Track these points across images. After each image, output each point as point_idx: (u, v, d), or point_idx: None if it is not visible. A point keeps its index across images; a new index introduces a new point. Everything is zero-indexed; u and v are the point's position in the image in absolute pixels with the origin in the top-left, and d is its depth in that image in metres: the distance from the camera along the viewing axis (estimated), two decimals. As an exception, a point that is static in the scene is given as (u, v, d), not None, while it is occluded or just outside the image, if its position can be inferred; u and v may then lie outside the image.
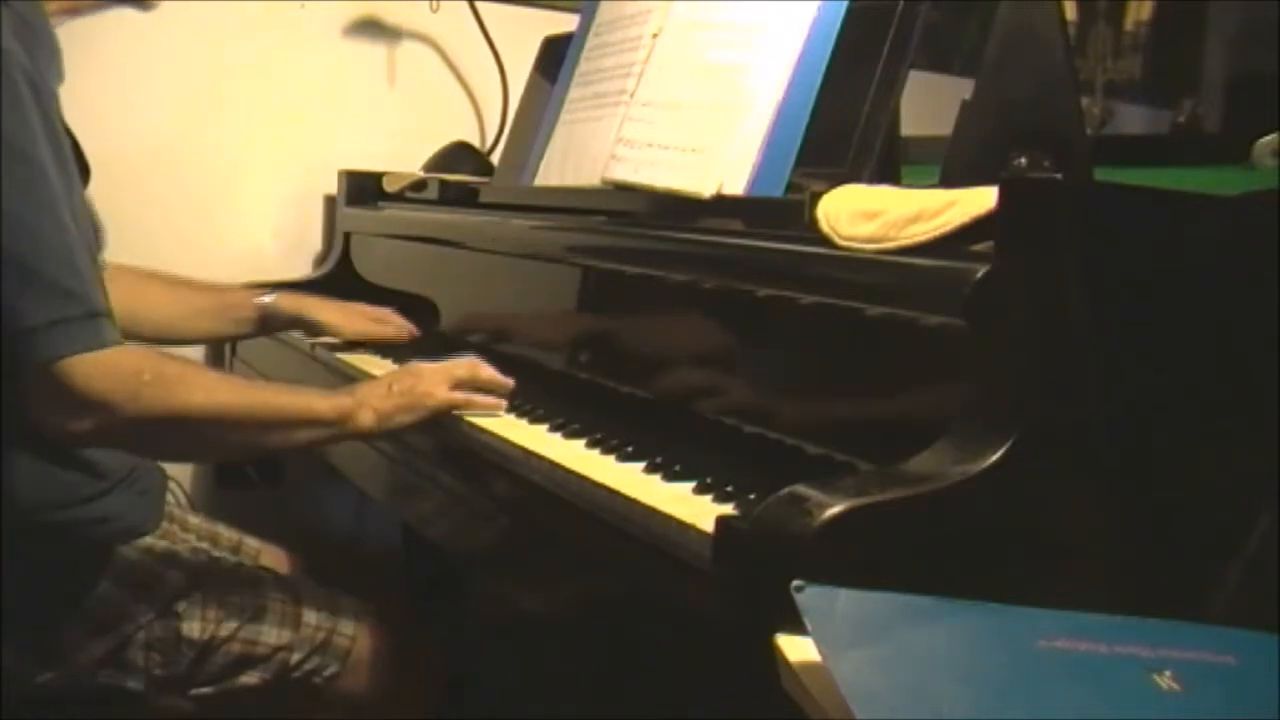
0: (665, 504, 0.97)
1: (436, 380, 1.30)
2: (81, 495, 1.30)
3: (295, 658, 1.37)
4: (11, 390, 1.23)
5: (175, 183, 2.03)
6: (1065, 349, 0.87)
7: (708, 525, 0.88)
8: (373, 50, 2.20)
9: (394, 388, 1.29)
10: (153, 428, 1.19)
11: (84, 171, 1.30)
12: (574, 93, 1.63)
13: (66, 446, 1.26)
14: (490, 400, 1.31)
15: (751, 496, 0.97)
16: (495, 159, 2.06)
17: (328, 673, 1.39)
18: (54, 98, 1.23)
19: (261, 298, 1.70)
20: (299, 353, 1.74)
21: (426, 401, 1.28)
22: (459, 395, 1.30)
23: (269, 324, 1.71)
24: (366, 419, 1.26)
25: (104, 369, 1.15)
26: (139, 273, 1.61)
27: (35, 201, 1.14)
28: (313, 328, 1.70)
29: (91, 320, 1.15)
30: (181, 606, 1.33)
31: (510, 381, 1.34)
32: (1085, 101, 2.08)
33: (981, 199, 0.93)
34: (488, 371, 1.33)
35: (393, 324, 1.71)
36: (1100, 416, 0.88)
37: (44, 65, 1.23)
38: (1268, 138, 1.37)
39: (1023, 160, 0.91)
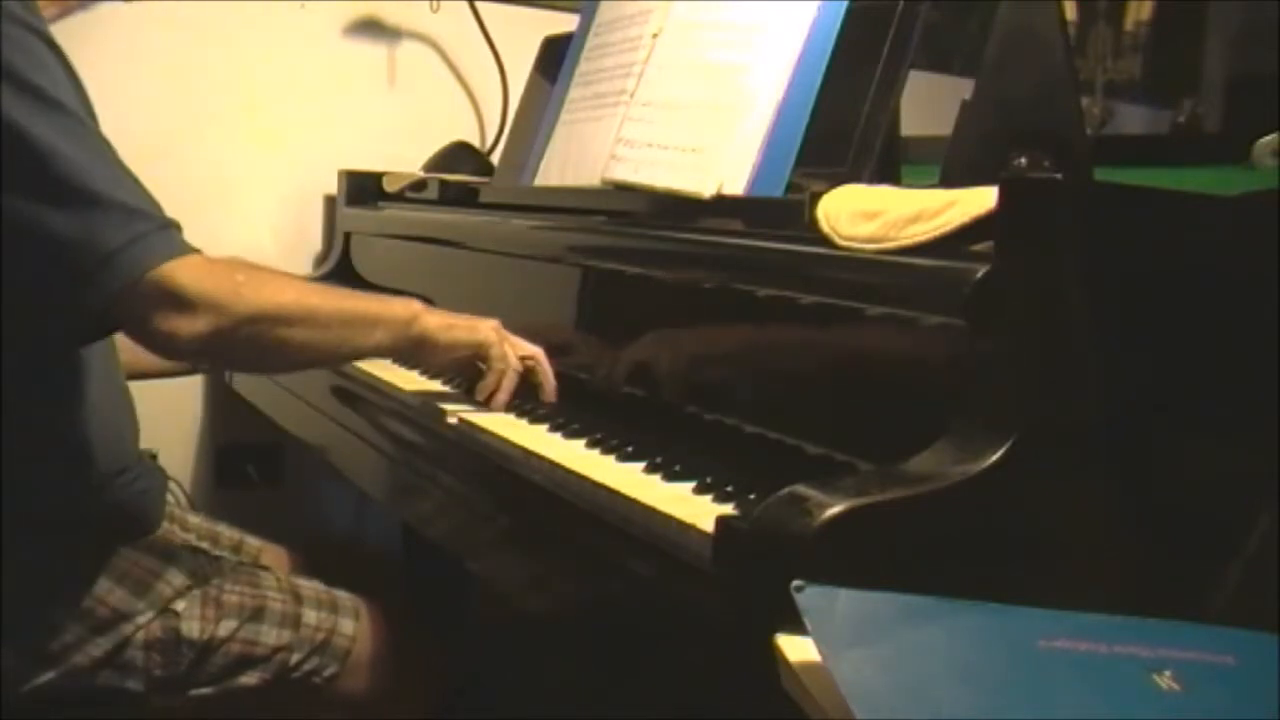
0: (665, 504, 0.97)
1: (502, 335, 1.34)
2: (82, 494, 1.30)
3: (295, 658, 1.37)
4: (12, 388, 1.23)
5: (174, 182, 2.01)
6: (1065, 349, 0.87)
7: (708, 525, 0.88)
8: (373, 50, 2.20)
9: (460, 318, 1.35)
10: (259, 326, 1.19)
11: None
12: (574, 93, 1.63)
13: (183, 356, 1.29)
14: (503, 382, 1.32)
15: (751, 496, 0.97)
16: (495, 159, 2.06)
17: (327, 673, 1.39)
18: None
19: None
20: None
21: (487, 334, 1.33)
22: (499, 358, 1.32)
23: None
24: (432, 321, 1.31)
25: (203, 269, 1.16)
26: None
27: (77, 138, 1.15)
28: None
29: (168, 231, 1.17)
30: (181, 606, 1.33)
31: (550, 387, 1.36)
32: (1085, 101, 2.08)
33: (981, 199, 0.93)
34: (543, 367, 1.36)
35: None
36: (1100, 416, 0.88)
37: None
38: (1268, 138, 1.37)
39: (1023, 160, 0.91)
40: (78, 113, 1.17)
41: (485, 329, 1.33)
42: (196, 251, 1.18)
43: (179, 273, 1.14)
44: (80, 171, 1.13)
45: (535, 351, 1.35)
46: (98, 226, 1.12)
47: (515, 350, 1.34)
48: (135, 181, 1.18)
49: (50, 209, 1.12)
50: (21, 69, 1.13)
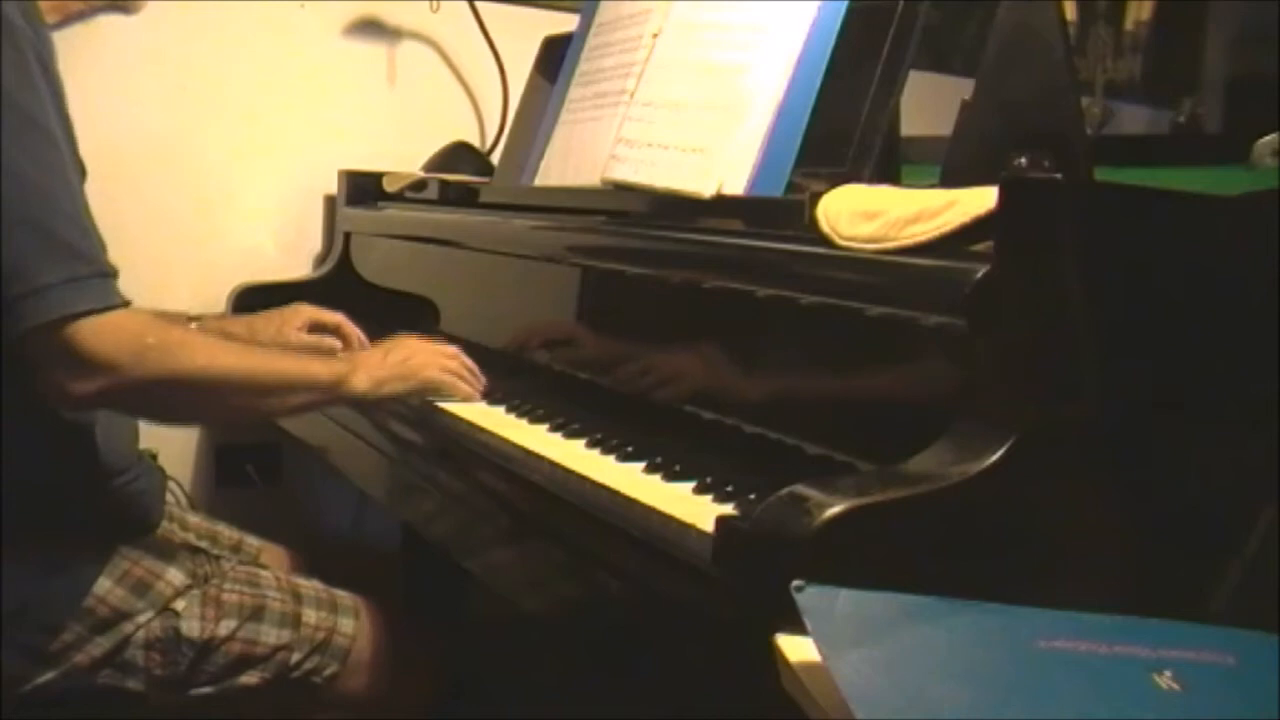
0: (665, 504, 0.97)
1: (428, 355, 1.39)
2: (82, 494, 1.30)
3: (295, 657, 1.37)
4: (13, 388, 1.23)
5: (175, 183, 2.03)
6: (1065, 348, 0.87)
7: (708, 525, 0.88)
8: (373, 50, 2.20)
9: (389, 357, 1.37)
10: (156, 390, 1.20)
11: (80, 173, 1.30)
12: (574, 92, 1.63)
13: (70, 409, 1.27)
14: (468, 388, 1.40)
15: (751, 496, 0.97)
16: (495, 159, 2.06)
17: (327, 672, 1.39)
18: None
19: (190, 322, 1.65)
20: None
21: (420, 372, 1.37)
22: (447, 375, 1.39)
23: None
24: (361, 383, 1.32)
25: (110, 330, 1.16)
26: None
27: (46, 165, 1.16)
28: None
29: (101, 280, 1.17)
30: (181, 606, 1.32)
31: (481, 379, 1.42)
32: (1085, 101, 2.08)
33: (981, 199, 0.93)
34: (468, 362, 1.43)
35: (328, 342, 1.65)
36: (1100, 416, 0.88)
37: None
38: (1268, 138, 1.36)
39: (1023, 160, 0.91)
40: (53, 135, 1.17)
41: (417, 369, 1.37)
42: (124, 305, 1.18)
43: (86, 330, 1.14)
44: (37, 198, 1.14)
45: (455, 354, 1.43)
46: (35, 259, 1.14)
47: (438, 358, 1.40)
48: (86, 219, 1.19)
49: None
50: (11, 88, 1.14)
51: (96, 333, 1.15)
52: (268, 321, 1.64)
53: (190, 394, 1.24)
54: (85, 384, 1.16)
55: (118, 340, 1.16)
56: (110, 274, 1.19)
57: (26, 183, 1.14)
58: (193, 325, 1.62)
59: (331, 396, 1.33)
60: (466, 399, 1.39)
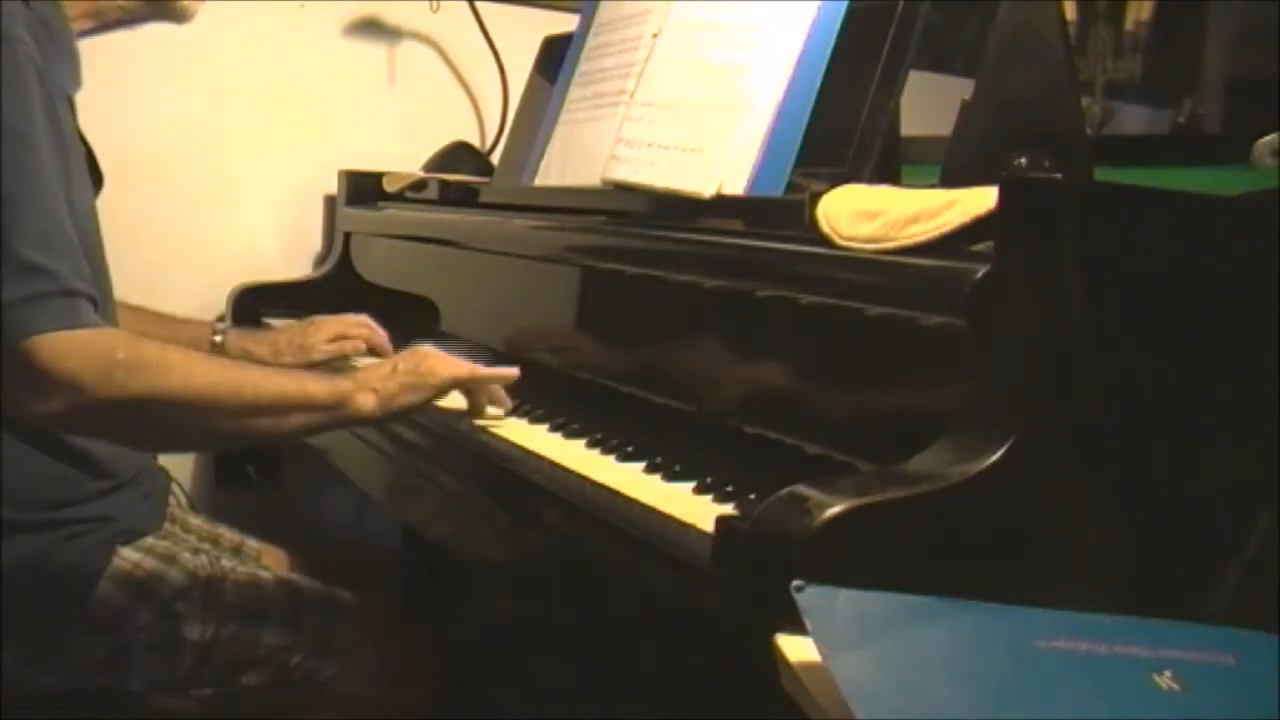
0: (665, 504, 0.97)
1: (439, 362, 1.28)
2: (84, 495, 1.30)
3: (295, 658, 1.37)
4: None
5: (175, 183, 2.03)
6: (1065, 349, 0.87)
7: (708, 525, 0.88)
8: (373, 50, 2.20)
9: (399, 367, 1.26)
10: (126, 411, 1.13)
11: (97, 181, 1.30)
12: (574, 92, 1.63)
13: (35, 429, 1.22)
14: (496, 396, 1.31)
15: (751, 496, 0.97)
16: (495, 159, 2.06)
17: (328, 673, 1.39)
18: (67, 100, 1.23)
19: (214, 335, 1.62)
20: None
21: (430, 379, 1.25)
22: (464, 374, 1.28)
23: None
24: (367, 402, 1.22)
25: (74, 347, 1.10)
26: None
27: (23, 180, 1.11)
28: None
29: (66, 299, 1.11)
30: (182, 608, 1.33)
31: (515, 371, 1.32)
32: (1085, 101, 2.08)
33: (981, 199, 0.93)
34: (487, 371, 1.32)
35: (352, 339, 1.62)
36: (1100, 416, 0.88)
37: (60, 68, 1.23)
38: (1268, 138, 1.36)
39: (1023, 160, 0.91)
40: (35, 147, 1.13)
41: (427, 375, 1.25)
42: (92, 325, 1.13)
43: (46, 347, 1.08)
44: (3, 215, 1.09)
45: (471, 368, 1.31)
46: None
47: (450, 366, 1.28)
48: (58, 236, 1.13)
49: None
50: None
51: (57, 351, 1.09)
52: (291, 336, 1.60)
53: (166, 416, 1.16)
54: (47, 404, 1.10)
55: (80, 357, 1.10)
56: (78, 293, 1.12)
57: None
58: (217, 339, 1.59)
59: (336, 418, 1.23)
60: (482, 414, 1.30)
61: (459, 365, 1.29)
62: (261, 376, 1.23)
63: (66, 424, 1.16)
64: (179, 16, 1.42)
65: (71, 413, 1.11)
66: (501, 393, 1.32)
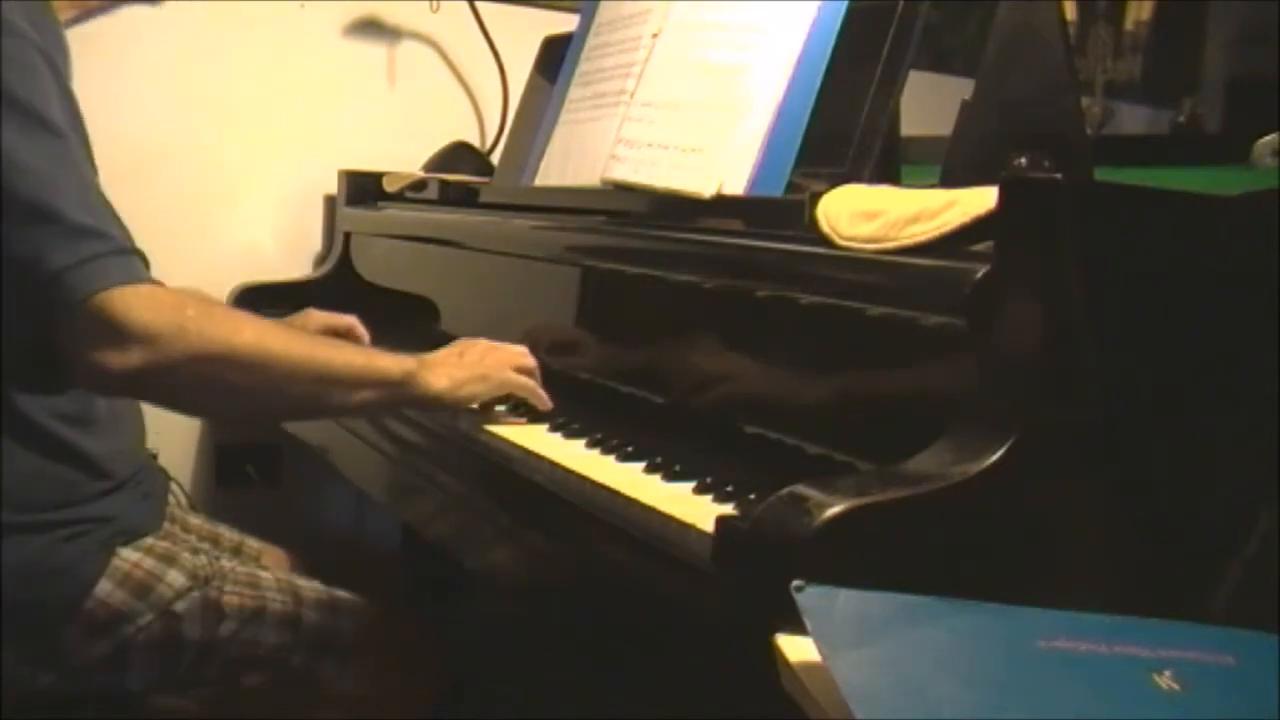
0: (665, 504, 0.97)
1: (504, 356, 1.27)
2: (83, 496, 1.30)
3: (295, 658, 1.37)
4: (13, 386, 1.23)
5: (175, 183, 2.03)
6: (1065, 349, 0.87)
7: (708, 525, 0.88)
8: (373, 50, 2.20)
9: (465, 357, 1.25)
10: (202, 368, 1.10)
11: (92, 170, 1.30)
12: (574, 93, 1.63)
13: (112, 390, 1.20)
14: (545, 395, 1.30)
15: (751, 496, 0.97)
16: (495, 159, 2.06)
17: (328, 673, 1.39)
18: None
19: None
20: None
21: (496, 375, 1.24)
22: (527, 379, 1.28)
23: None
24: (439, 381, 1.20)
25: (145, 301, 1.08)
26: None
27: (50, 154, 1.12)
28: None
29: (123, 256, 1.11)
30: (181, 608, 1.32)
31: (548, 404, 1.31)
32: (1085, 101, 2.08)
33: (981, 199, 0.93)
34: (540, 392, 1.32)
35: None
36: (1100, 416, 0.88)
37: (57, 60, 1.23)
38: (1268, 138, 1.37)
39: (1023, 160, 0.91)
40: (57, 126, 1.14)
41: (493, 369, 1.24)
42: (152, 281, 1.12)
43: (118, 300, 1.07)
44: (42, 187, 1.10)
45: (525, 355, 1.32)
46: (49, 245, 1.09)
47: (514, 359, 1.29)
48: (103, 203, 1.14)
49: (7, 223, 1.09)
50: (9, 81, 1.12)
51: (131, 302, 1.07)
52: None
53: (242, 374, 1.12)
54: (126, 357, 1.07)
55: (154, 310, 1.08)
56: (132, 250, 1.13)
57: (30, 173, 1.10)
58: None
59: (401, 395, 1.20)
60: (544, 406, 1.29)
61: (520, 378, 1.28)
62: (330, 346, 1.22)
63: (144, 380, 1.11)
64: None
65: (150, 368, 1.08)
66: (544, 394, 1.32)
